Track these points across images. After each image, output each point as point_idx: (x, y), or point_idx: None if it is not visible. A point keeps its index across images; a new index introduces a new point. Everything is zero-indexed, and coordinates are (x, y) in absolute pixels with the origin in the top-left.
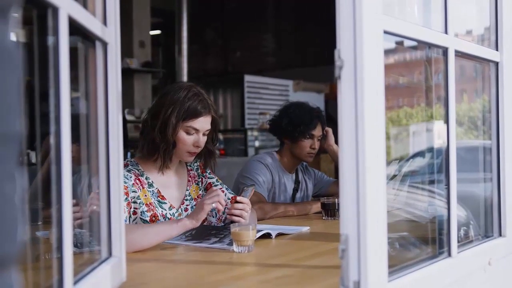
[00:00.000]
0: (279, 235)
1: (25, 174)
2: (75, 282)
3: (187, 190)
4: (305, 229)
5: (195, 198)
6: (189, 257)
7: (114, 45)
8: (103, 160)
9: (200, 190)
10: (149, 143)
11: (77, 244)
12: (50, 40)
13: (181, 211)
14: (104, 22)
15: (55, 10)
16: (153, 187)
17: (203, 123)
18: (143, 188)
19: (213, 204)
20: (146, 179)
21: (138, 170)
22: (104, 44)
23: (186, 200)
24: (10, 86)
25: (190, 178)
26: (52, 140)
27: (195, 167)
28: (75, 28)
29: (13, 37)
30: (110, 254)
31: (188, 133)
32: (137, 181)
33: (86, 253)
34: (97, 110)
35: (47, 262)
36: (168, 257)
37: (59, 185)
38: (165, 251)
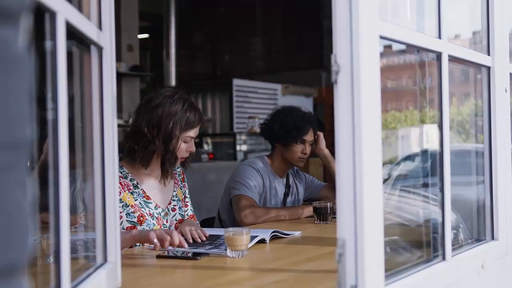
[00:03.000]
0: (274, 238)
1: (34, 180)
2: None
3: (174, 191)
4: (297, 233)
5: (181, 200)
6: (184, 262)
7: (109, 50)
8: (98, 166)
9: (182, 194)
10: (150, 154)
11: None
12: (47, 44)
13: (168, 210)
14: (99, 27)
15: (53, 14)
16: (139, 188)
17: (197, 130)
18: (125, 191)
19: (155, 240)
20: (130, 180)
21: (121, 173)
22: (100, 49)
23: (174, 200)
24: (21, 93)
25: (176, 181)
26: (49, 145)
27: (178, 173)
28: (71, 33)
29: (23, 43)
30: (105, 259)
31: (185, 142)
32: (119, 184)
33: (80, 258)
34: (92, 115)
35: (41, 267)
36: (163, 263)
37: (56, 190)
38: (160, 257)
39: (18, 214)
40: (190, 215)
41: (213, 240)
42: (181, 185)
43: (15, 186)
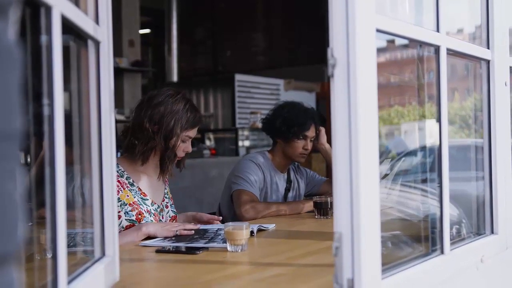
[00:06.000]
0: (259, 231)
1: (25, 172)
2: (69, 282)
3: (165, 189)
4: (272, 226)
5: (170, 198)
6: (183, 257)
7: (107, 44)
8: (96, 161)
9: (170, 193)
10: (149, 150)
11: (69, 243)
12: (43, 38)
13: (163, 207)
14: (97, 21)
15: (48, 9)
16: (134, 186)
17: (196, 131)
18: (124, 189)
19: (177, 232)
20: (126, 179)
21: (117, 171)
22: (97, 43)
23: (166, 197)
24: (11, 85)
25: (166, 180)
26: (45, 140)
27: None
28: (67, 27)
29: (12, 35)
30: (103, 253)
31: (183, 141)
32: (117, 183)
33: (78, 252)
34: (89, 110)
35: (38, 262)
36: (161, 257)
37: (53, 185)
38: (159, 251)
39: (7, 205)
40: (172, 216)
41: (202, 234)
42: (168, 184)
43: (5, 177)
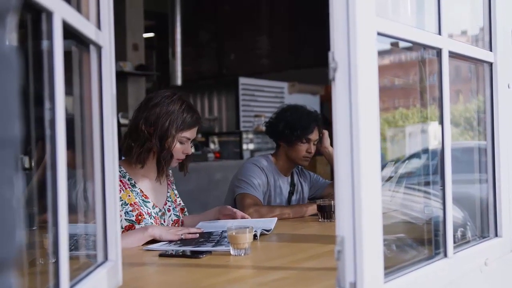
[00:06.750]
0: (262, 235)
1: (22, 178)
2: (71, 286)
3: (168, 192)
4: (274, 220)
5: (174, 201)
6: (186, 261)
7: (109, 49)
8: (98, 165)
9: (175, 196)
10: (146, 152)
11: (72, 247)
12: (44, 44)
13: (165, 210)
14: (98, 26)
15: (49, 14)
16: (136, 187)
17: (195, 132)
18: (126, 189)
19: (182, 236)
20: (128, 180)
21: (120, 172)
22: (98, 48)
23: (168, 201)
24: (9, 91)
25: (169, 183)
26: (47, 144)
27: (170, 175)
28: (69, 32)
29: (10, 41)
30: (106, 258)
31: (181, 142)
32: (119, 182)
33: (81, 257)
34: (91, 115)
35: (42, 266)
36: (164, 261)
37: (54, 190)
38: (162, 256)
39: (5, 211)
40: (181, 209)
41: (207, 237)
42: (173, 187)
43: (4, 183)
